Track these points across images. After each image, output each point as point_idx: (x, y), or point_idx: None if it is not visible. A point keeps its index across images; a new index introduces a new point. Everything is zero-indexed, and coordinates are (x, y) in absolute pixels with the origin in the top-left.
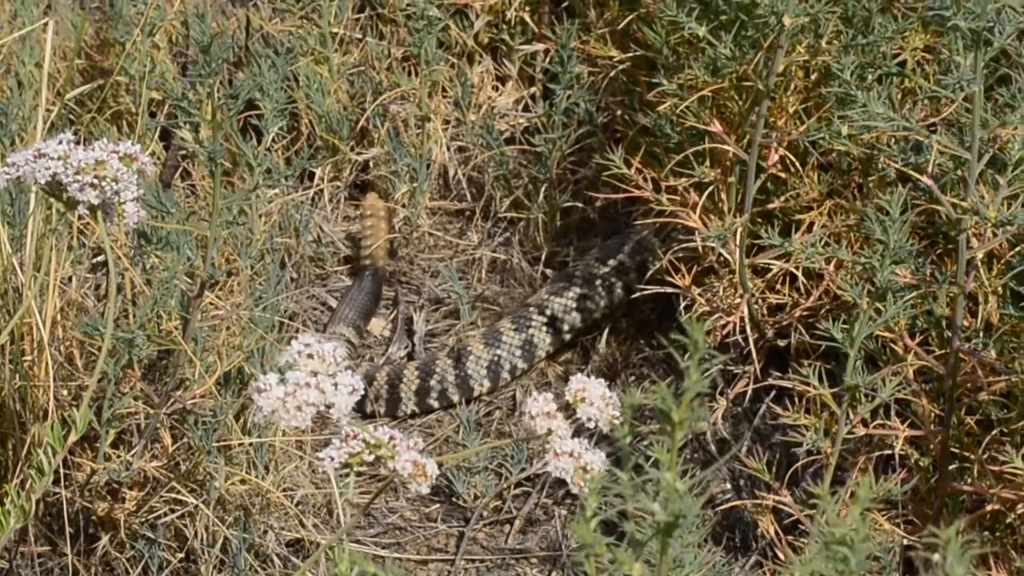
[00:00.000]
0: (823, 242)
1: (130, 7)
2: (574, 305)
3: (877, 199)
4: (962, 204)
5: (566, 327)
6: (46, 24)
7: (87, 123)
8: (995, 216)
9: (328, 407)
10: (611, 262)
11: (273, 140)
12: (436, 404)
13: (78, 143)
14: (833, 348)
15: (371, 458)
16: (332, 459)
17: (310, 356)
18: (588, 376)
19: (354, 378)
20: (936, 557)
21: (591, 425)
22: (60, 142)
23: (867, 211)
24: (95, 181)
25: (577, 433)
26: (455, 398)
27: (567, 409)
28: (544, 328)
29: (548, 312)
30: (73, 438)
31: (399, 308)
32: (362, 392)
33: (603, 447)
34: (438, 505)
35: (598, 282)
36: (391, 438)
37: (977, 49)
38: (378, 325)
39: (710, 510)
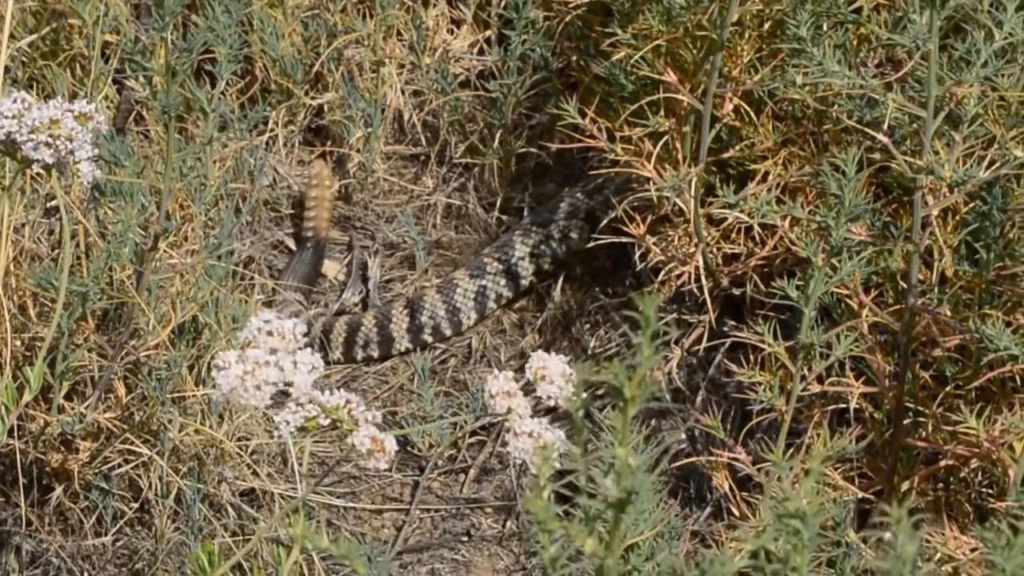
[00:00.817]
0: (777, 199)
1: None
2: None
3: (832, 156)
4: (917, 163)
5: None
6: None
7: (40, 67)
8: (951, 175)
9: (288, 385)
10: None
11: (227, 84)
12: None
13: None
14: (789, 299)
15: (327, 422)
16: (288, 423)
17: (269, 333)
18: (548, 352)
19: (314, 356)
20: (888, 536)
21: (551, 403)
22: (14, 100)
23: (822, 167)
24: (50, 140)
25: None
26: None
27: (527, 385)
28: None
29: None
30: (27, 397)
31: (353, 253)
32: (322, 370)
33: (567, 423)
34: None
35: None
36: (347, 402)
37: (932, 7)
38: (332, 268)
39: (665, 463)
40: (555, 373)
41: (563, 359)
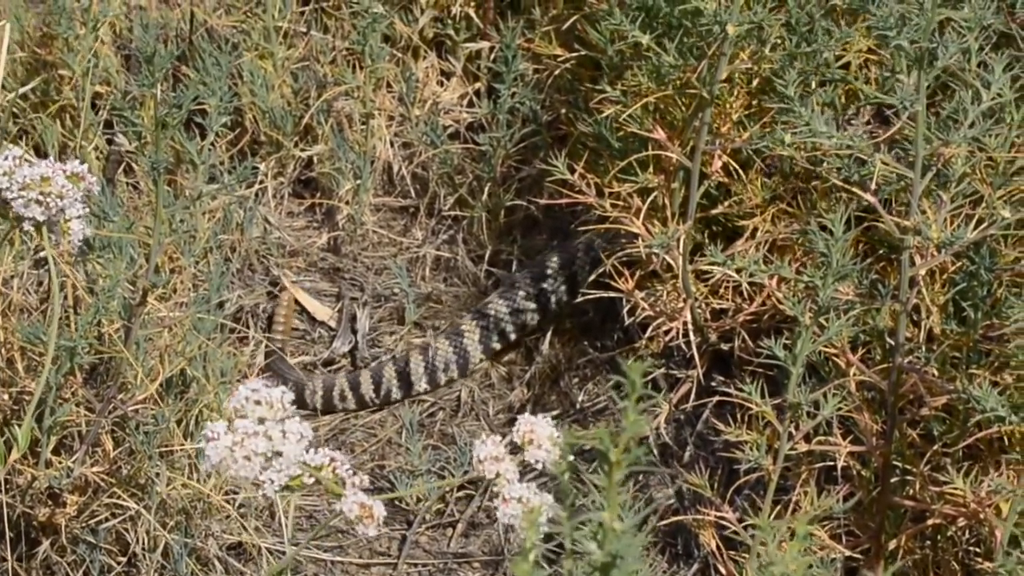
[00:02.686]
0: (764, 258)
1: (73, 0)
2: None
3: (820, 215)
4: (905, 223)
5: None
6: (4, 25)
7: (31, 118)
8: (938, 236)
9: (277, 455)
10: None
11: (216, 135)
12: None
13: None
14: (776, 358)
15: (312, 480)
16: (272, 482)
17: (257, 403)
18: (535, 415)
19: (302, 425)
20: None
21: (539, 467)
22: (5, 157)
23: (810, 226)
24: (40, 198)
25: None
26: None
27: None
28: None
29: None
30: (15, 455)
31: (343, 303)
32: (310, 439)
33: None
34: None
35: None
36: (332, 460)
37: (920, 68)
38: (323, 312)
39: (653, 518)
40: (543, 436)
41: (550, 422)
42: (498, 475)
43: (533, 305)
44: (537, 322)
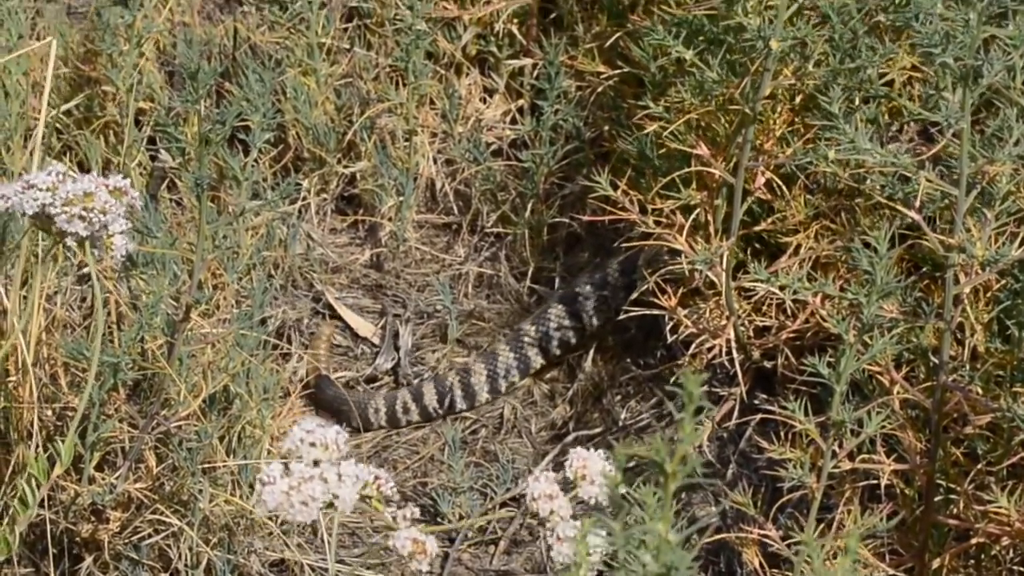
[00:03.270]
0: (808, 275)
1: (117, 17)
2: None
3: (864, 232)
4: (949, 241)
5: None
6: (51, 42)
7: (74, 135)
8: (983, 254)
9: (334, 498)
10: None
11: (260, 152)
12: None
13: (64, 178)
14: (820, 376)
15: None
16: (315, 499)
17: (312, 444)
18: (580, 443)
19: (358, 467)
20: None
21: (592, 502)
22: (49, 173)
23: (854, 243)
24: (84, 213)
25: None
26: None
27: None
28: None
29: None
30: (58, 471)
31: (387, 319)
32: (366, 480)
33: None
34: (422, 525)
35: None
36: (376, 478)
37: (965, 86)
38: (367, 328)
39: (696, 536)
40: (595, 472)
41: (602, 455)
42: (552, 512)
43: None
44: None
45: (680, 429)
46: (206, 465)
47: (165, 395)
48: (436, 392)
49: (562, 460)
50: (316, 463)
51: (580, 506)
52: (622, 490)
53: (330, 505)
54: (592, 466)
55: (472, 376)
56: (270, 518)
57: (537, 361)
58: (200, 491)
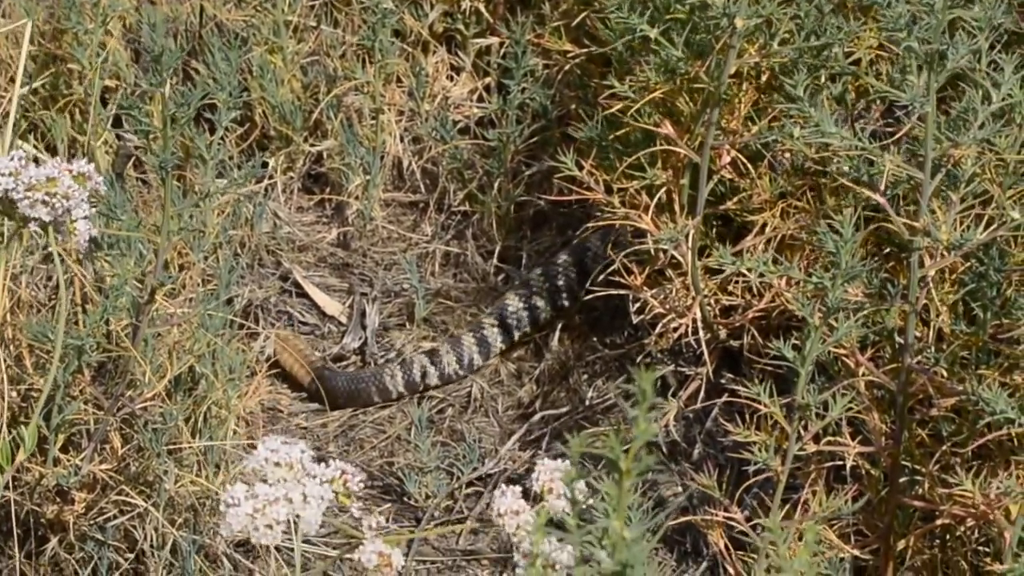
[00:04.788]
0: (774, 256)
1: None
2: None
3: (829, 214)
4: (915, 224)
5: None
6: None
7: (40, 114)
8: (948, 238)
9: (298, 519)
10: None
11: (226, 130)
12: None
13: (27, 164)
14: (785, 359)
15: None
16: (279, 522)
17: (277, 464)
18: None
19: (323, 487)
20: None
21: (559, 518)
22: (12, 158)
23: (819, 225)
24: (46, 198)
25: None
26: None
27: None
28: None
29: None
30: (21, 457)
31: (354, 298)
32: (331, 500)
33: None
34: (389, 505)
35: None
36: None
37: (931, 69)
38: (334, 307)
39: (661, 515)
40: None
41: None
42: (518, 528)
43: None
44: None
45: (633, 424)
46: (171, 446)
47: (130, 376)
48: (454, 353)
49: (528, 440)
50: (281, 481)
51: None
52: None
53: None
54: (560, 479)
55: (485, 330)
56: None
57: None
58: (165, 472)
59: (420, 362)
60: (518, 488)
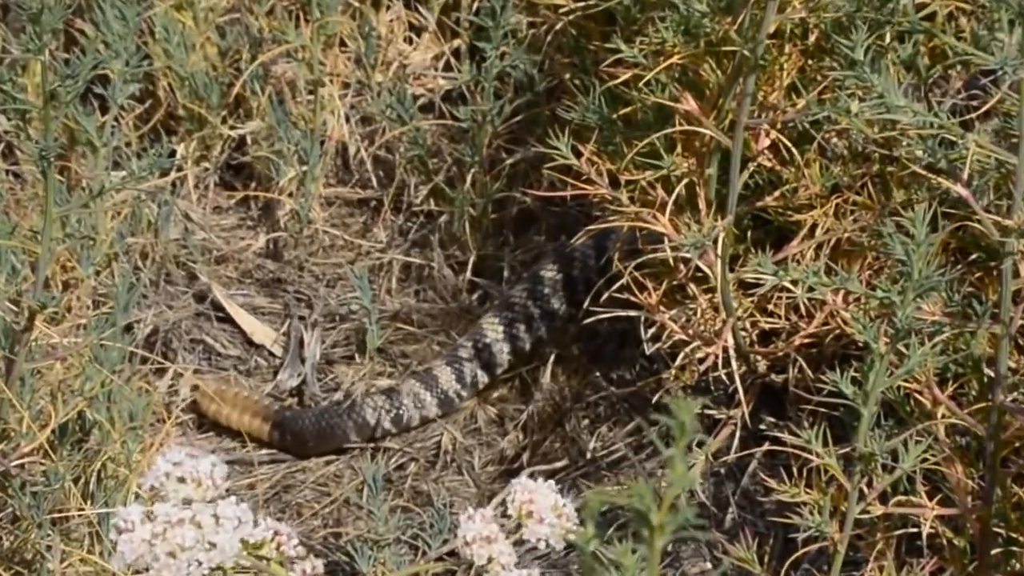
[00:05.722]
0: (827, 265)
1: None
2: None
3: (896, 213)
4: (1006, 221)
5: None
6: None
7: None
8: None
9: (210, 546)
10: None
11: (122, 109)
12: None
13: None
14: (842, 395)
15: (249, 563)
16: (185, 549)
17: (181, 479)
18: (535, 478)
19: (240, 507)
20: None
21: (542, 546)
22: None
23: (884, 225)
24: None
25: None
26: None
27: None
28: None
29: None
30: None
31: (290, 324)
32: (250, 523)
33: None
34: (320, 561)
35: None
36: (276, 534)
37: None
38: (265, 335)
39: None
40: (544, 507)
41: (553, 487)
42: (490, 559)
43: None
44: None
45: (668, 466)
46: (56, 515)
47: (2, 425)
48: (454, 373)
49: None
50: (187, 503)
51: (527, 552)
52: (593, 547)
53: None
54: (540, 500)
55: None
56: None
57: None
58: (49, 548)
59: (411, 389)
60: (489, 511)
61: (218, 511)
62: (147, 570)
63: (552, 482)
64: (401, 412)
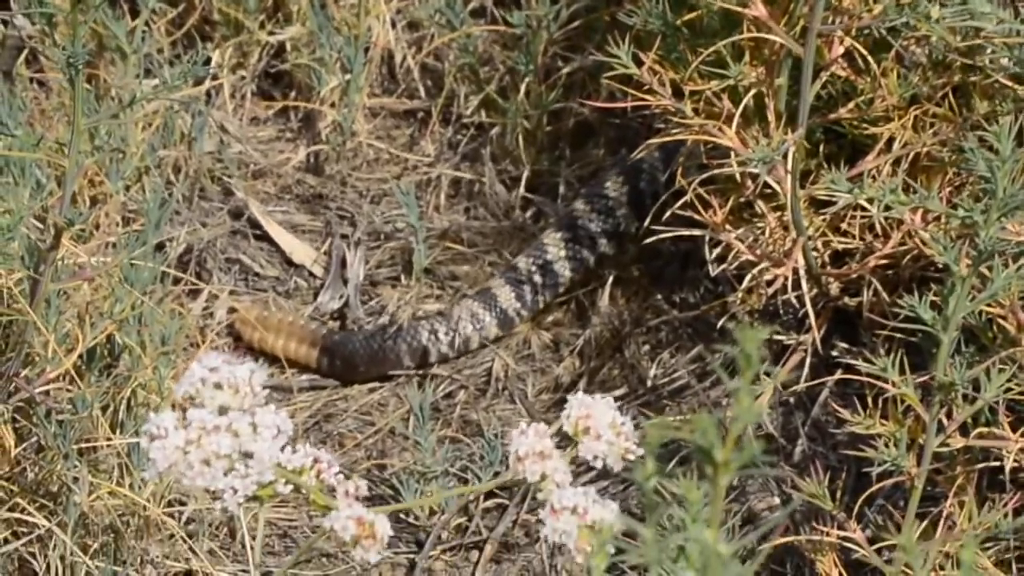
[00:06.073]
0: (904, 182)
1: None
2: None
3: (979, 126)
4: None
5: None
6: None
7: None
8: None
9: (246, 456)
10: None
11: (154, 13)
12: None
13: None
14: (920, 320)
15: (288, 488)
16: (235, 491)
17: (218, 386)
18: (591, 395)
19: (279, 415)
20: None
21: (598, 464)
22: None
23: (966, 139)
24: None
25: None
26: None
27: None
28: None
29: None
30: None
31: (331, 242)
32: (289, 434)
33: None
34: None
35: None
36: (315, 461)
37: None
38: (305, 254)
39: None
40: (602, 424)
41: (611, 403)
42: (543, 477)
43: None
44: None
45: (733, 399)
46: (84, 445)
47: (27, 350)
48: (513, 291)
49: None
50: (223, 411)
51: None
52: (653, 482)
53: (237, 462)
54: (598, 415)
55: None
56: (171, 516)
57: None
58: (76, 480)
59: (469, 308)
60: (543, 426)
61: (256, 419)
62: (179, 480)
63: (611, 398)
64: (459, 334)
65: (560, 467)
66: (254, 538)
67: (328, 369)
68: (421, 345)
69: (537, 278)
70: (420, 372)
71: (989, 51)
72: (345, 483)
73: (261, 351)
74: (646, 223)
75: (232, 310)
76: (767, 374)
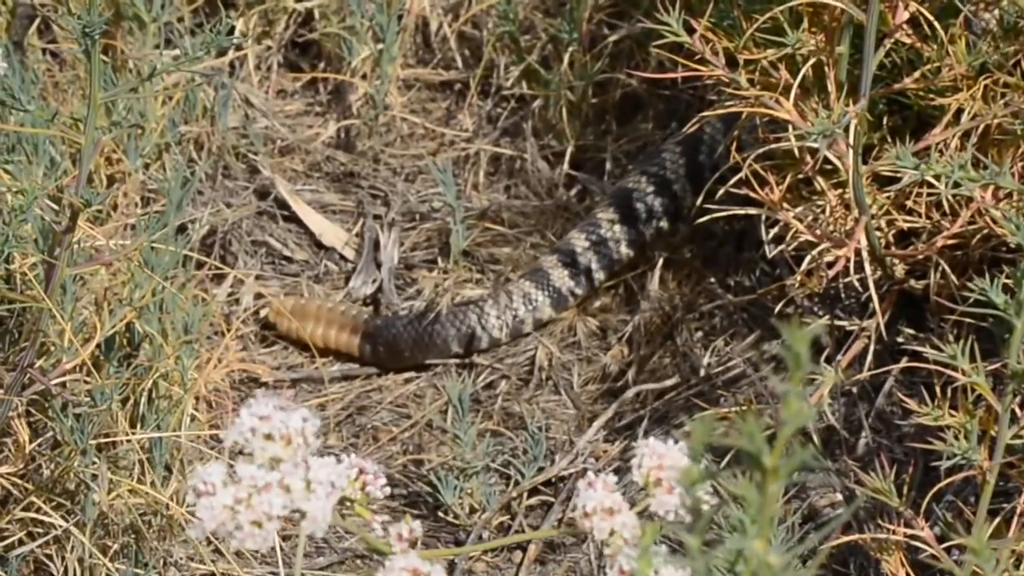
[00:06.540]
0: (974, 157)
1: None
2: None
3: None
4: None
5: None
6: None
7: None
8: None
9: (299, 515)
10: None
11: None
12: None
13: None
14: (991, 304)
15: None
16: (271, 518)
17: (268, 437)
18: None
19: (335, 468)
20: None
21: (671, 518)
22: None
23: None
24: None
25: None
26: None
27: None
28: None
29: None
30: None
31: (364, 224)
32: (343, 490)
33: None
34: (418, 522)
35: None
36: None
37: None
38: (336, 235)
39: (814, 534)
40: (676, 472)
41: (684, 448)
42: (612, 533)
43: None
44: None
45: (782, 402)
46: (102, 440)
47: (42, 339)
48: (566, 269)
49: (617, 427)
50: (275, 463)
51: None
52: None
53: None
54: (672, 464)
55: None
56: (195, 515)
57: None
58: (94, 477)
59: (520, 288)
60: (611, 478)
61: (312, 473)
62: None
63: (684, 444)
64: (511, 316)
65: (629, 522)
66: (284, 540)
67: (371, 357)
68: (470, 329)
69: (591, 255)
70: (460, 360)
71: None
72: (398, 526)
73: (293, 340)
74: (699, 201)
75: (259, 295)
76: (828, 362)
